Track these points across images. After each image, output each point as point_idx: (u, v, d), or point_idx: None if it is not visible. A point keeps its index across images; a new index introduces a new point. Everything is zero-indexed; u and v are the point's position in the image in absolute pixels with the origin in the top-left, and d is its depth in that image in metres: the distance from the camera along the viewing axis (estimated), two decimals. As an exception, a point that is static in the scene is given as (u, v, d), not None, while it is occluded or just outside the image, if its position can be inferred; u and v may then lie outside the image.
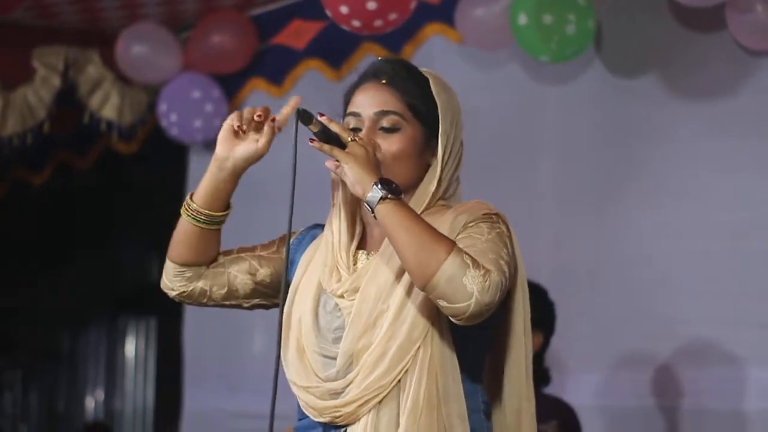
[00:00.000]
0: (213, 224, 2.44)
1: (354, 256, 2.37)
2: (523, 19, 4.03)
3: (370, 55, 4.80)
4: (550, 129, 4.37)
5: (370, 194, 2.22)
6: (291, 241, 2.49)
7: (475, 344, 2.30)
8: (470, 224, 2.26)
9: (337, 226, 2.40)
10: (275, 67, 5.17)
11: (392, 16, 3.54)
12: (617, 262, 4.10)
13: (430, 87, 2.37)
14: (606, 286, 4.10)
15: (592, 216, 4.19)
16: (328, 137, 2.28)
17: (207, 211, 2.42)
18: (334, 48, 4.90)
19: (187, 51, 5.24)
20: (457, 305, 2.14)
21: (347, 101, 2.41)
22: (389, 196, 2.21)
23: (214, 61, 5.20)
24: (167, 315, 6.70)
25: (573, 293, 4.01)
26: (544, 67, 4.28)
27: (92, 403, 7.89)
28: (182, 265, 2.47)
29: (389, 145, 2.33)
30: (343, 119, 2.39)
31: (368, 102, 2.36)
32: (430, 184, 2.34)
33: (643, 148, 4.07)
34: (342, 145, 2.27)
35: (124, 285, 7.73)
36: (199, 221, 2.43)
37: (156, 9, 5.20)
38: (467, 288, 2.13)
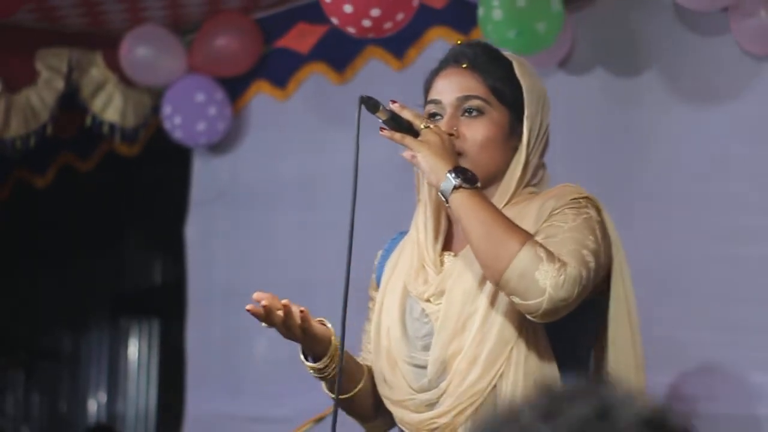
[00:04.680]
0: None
1: (440, 257, 2.24)
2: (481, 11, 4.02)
3: (374, 59, 4.80)
4: (553, 134, 4.36)
5: (444, 183, 2.10)
6: (375, 262, 2.42)
7: (574, 339, 2.18)
8: (556, 212, 2.15)
9: (422, 223, 2.28)
10: (279, 70, 5.17)
11: (399, 17, 3.52)
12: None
13: (513, 70, 2.26)
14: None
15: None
16: (399, 125, 2.16)
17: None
18: (338, 51, 4.89)
19: (191, 53, 5.24)
20: (529, 302, 2.02)
21: (427, 88, 2.30)
22: (464, 185, 2.09)
23: (218, 63, 5.20)
24: (170, 317, 6.70)
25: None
26: (548, 71, 4.28)
27: (94, 405, 7.89)
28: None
29: (474, 132, 2.22)
30: (424, 107, 2.28)
31: (449, 87, 2.25)
32: (515, 170, 2.24)
33: (646, 152, 4.07)
34: (415, 133, 2.15)
35: (126, 287, 7.73)
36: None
37: (160, 11, 5.20)
38: (539, 284, 2.01)
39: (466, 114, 2.24)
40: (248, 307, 2.21)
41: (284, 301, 2.23)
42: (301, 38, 5.06)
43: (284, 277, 4.92)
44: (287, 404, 4.80)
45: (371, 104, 2.16)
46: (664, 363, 3.91)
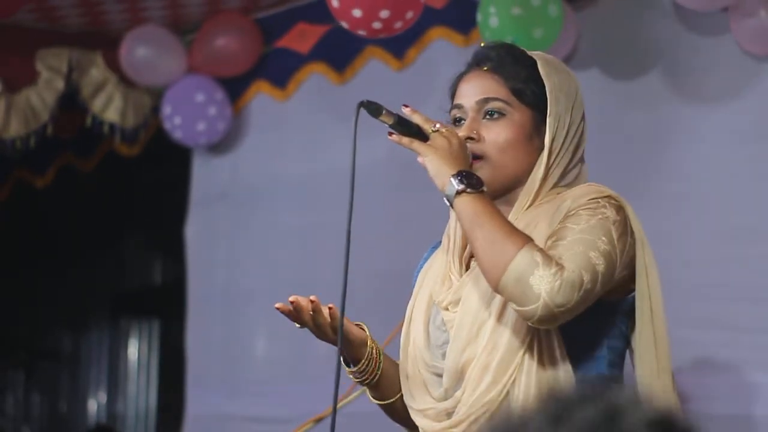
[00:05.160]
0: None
1: (467, 263, 2.22)
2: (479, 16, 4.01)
3: (374, 59, 4.80)
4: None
5: (447, 188, 2.07)
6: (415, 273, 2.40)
7: (594, 342, 2.13)
8: (571, 213, 2.10)
9: (452, 231, 2.25)
10: (279, 70, 5.17)
11: (409, 15, 3.50)
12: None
13: (537, 69, 2.23)
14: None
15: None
16: (408, 129, 2.14)
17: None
18: (338, 51, 4.89)
19: (191, 53, 5.24)
20: (525, 308, 1.97)
21: (452, 93, 2.28)
22: (467, 189, 2.06)
23: (218, 63, 5.20)
24: (170, 317, 6.70)
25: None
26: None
27: (94, 405, 7.89)
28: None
29: (495, 134, 2.19)
30: (450, 112, 2.27)
31: (470, 91, 2.23)
32: (537, 172, 2.19)
33: (646, 153, 4.07)
34: (425, 137, 2.12)
35: (126, 287, 7.74)
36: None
37: (160, 11, 5.20)
38: (534, 289, 1.95)
39: (487, 117, 2.21)
40: (277, 305, 2.21)
41: (312, 297, 2.24)
42: (301, 38, 5.06)
43: (284, 277, 4.92)
44: (287, 404, 4.79)
45: (373, 108, 2.13)
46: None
